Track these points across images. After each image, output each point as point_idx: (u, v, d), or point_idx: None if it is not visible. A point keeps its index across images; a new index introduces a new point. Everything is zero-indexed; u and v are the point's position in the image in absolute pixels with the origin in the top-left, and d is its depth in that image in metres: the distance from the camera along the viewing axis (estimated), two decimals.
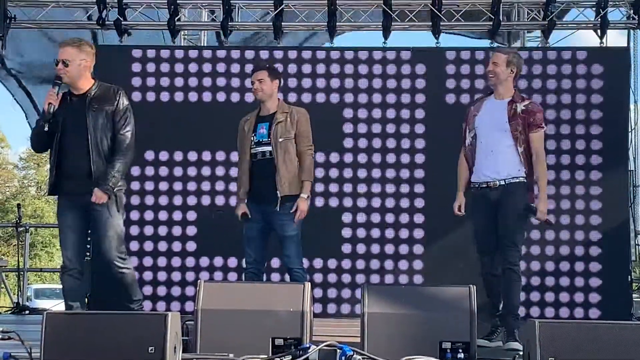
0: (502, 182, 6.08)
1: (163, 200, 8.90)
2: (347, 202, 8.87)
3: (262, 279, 6.51)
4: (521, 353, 4.83)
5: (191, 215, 8.88)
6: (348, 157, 8.90)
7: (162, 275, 8.83)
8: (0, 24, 9.16)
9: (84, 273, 5.93)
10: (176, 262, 8.84)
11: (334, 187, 8.87)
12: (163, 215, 8.89)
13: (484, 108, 6.24)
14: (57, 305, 12.19)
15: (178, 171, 8.91)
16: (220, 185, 8.89)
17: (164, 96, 8.99)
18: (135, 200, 8.88)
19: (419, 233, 8.80)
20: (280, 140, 6.28)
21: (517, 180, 6.09)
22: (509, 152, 6.08)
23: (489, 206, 6.12)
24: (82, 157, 5.71)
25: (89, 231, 5.90)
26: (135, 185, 8.87)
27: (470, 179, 6.26)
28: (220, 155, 8.82)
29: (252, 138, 6.35)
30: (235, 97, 8.95)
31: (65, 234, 5.81)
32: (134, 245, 8.81)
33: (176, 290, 8.82)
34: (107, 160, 5.75)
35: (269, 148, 6.30)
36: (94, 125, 5.75)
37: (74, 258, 5.79)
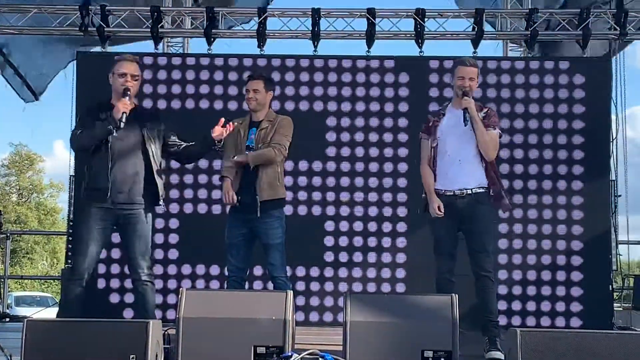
0: (470, 192, 6.09)
1: None
2: (330, 211, 8.87)
3: (245, 286, 6.49)
4: None
5: (173, 223, 8.86)
6: (331, 166, 8.91)
7: None
8: None
9: None
10: (158, 269, 8.78)
11: (316, 195, 8.87)
12: None
13: (447, 118, 6.22)
14: (38, 313, 12.13)
15: None
16: (202, 194, 8.87)
17: (146, 103, 8.95)
18: None
19: (401, 241, 8.80)
20: (260, 145, 6.29)
21: (483, 191, 6.12)
22: (475, 162, 6.10)
23: (454, 214, 6.10)
24: (130, 169, 5.85)
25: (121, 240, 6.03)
26: None
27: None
28: (204, 163, 8.79)
29: (244, 143, 6.35)
30: (218, 104, 8.94)
31: (87, 243, 5.78)
32: (116, 253, 8.77)
33: (158, 299, 8.74)
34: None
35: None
36: (149, 140, 5.97)
37: (85, 268, 5.77)
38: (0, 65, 10.34)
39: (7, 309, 12.23)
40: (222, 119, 6.09)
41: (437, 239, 6.23)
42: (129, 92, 5.94)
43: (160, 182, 5.97)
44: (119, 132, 5.78)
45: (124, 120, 5.78)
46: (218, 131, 6.05)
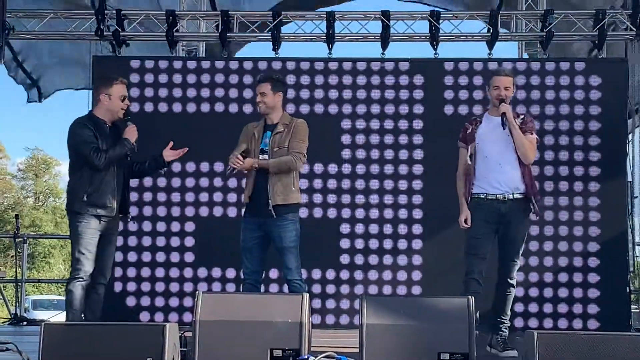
0: (511, 197, 6.21)
1: (161, 211, 8.90)
2: (346, 213, 8.86)
3: (260, 290, 6.49)
4: None
5: (189, 226, 8.88)
6: (346, 168, 8.91)
7: (160, 286, 8.82)
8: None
9: None
10: (174, 273, 8.83)
11: (332, 198, 8.87)
12: (161, 226, 8.88)
13: (484, 124, 6.37)
14: (55, 317, 12.17)
15: (176, 182, 8.91)
16: (218, 197, 8.88)
17: (162, 107, 9.00)
18: (133, 211, 8.84)
19: (417, 244, 8.79)
20: (275, 149, 6.28)
21: (522, 196, 6.24)
22: (515, 165, 6.23)
23: (495, 217, 6.23)
24: (121, 182, 6.28)
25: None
26: (133, 196, 8.84)
27: (471, 191, 6.30)
28: (219, 167, 8.81)
29: (258, 145, 6.35)
30: (233, 108, 8.96)
31: (91, 250, 6.13)
32: (132, 256, 8.82)
33: (174, 301, 8.81)
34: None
35: (265, 156, 6.31)
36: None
37: (90, 271, 6.14)
38: (8, 64, 10.41)
39: (25, 312, 12.27)
40: (171, 142, 6.44)
41: (474, 240, 6.28)
42: (131, 115, 6.43)
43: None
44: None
45: (136, 144, 6.29)
46: (171, 154, 6.46)
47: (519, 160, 6.21)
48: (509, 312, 6.28)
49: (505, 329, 6.26)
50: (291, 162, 6.25)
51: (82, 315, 6.06)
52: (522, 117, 6.37)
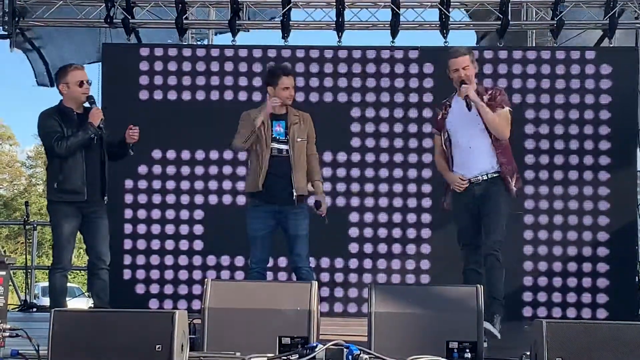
0: (485, 177, 6.14)
1: (170, 198, 8.91)
2: (355, 202, 8.87)
3: (266, 278, 6.51)
4: (528, 353, 4.82)
5: (198, 214, 8.89)
6: (355, 157, 8.90)
7: (169, 274, 8.85)
8: (10, 22, 9.17)
9: None
10: (183, 260, 8.85)
11: (341, 187, 8.87)
12: (170, 214, 8.90)
13: (454, 107, 6.28)
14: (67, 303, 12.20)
15: (185, 170, 8.92)
16: (227, 185, 8.90)
17: (171, 95, 9.00)
18: (142, 198, 8.89)
19: (426, 232, 8.79)
20: (298, 140, 6.35)
21: (497, 174, 6.14)
22: (484, 146, 6.13)
23: (473, 201, 6.17)
24: (96, 167, 6.27)
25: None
26: (142, 184, 8.89)
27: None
28: (228, 154, 8.82)
29: (269, 134, 6.33)
30: (242, 95, 8.95)
31: (68, 239, 6.24)
32: (142, 244, 8.85)
33: (183, 289, 8.83)
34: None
35: (285, 147, 6.33)
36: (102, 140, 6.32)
37: (69, 260, 6.33)
38: (23, 47, 10.39)
39: (34, 299, 12.32)
40: (131, 125, 6.37)
41: (461, 229, 6.24)
42: (94, 98, 6.37)
43: (106, 176, 6.37)
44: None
45: (102, 126, 6.24)
46: (129, 136, 6.36)
47: (492, 139, 6.10)
48: (497, 288, 6.02)
49: (498, 305, 6.00)
50: (317, 162, 6.56)
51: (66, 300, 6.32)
52: (490, 92, 6.20)
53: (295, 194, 6.28)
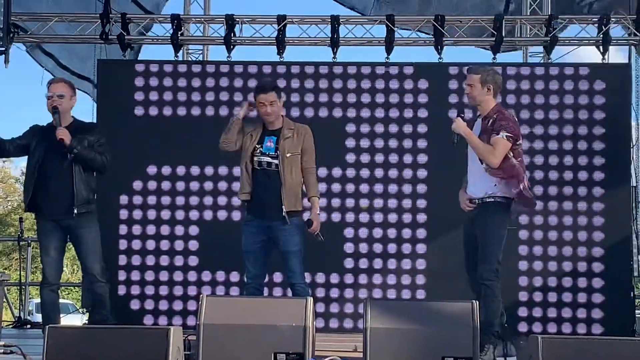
0: (479, 201, 6.21)
1: (165, 214, 8.90)
2: (350, 217, 8.86)
3: (263, 293, 6.50)
4: None
5: (193, 230, 8.88)
6: (350, 172, 8.90)
7: (163, 290, 8.82)
8: (4, 39, 9.18)
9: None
10: (178, 276, 8.83)
11: (336, 202, 8.87)
12: (165, 229, 8.88)
13: (474, 128, 6.33)
14: (61, 320, 12.15)
15: (180, 185, 8.92)
16: (222, 200, 8.89)
17: (167, 110, 9.00)
18: (137, 214, 8.88)
19: (421, 248, 8.79)
20: (288, 155, 6.29)
21: (492, 200, 6.17)
22: (480, 171, 6.18)
23: (470, 223, 6.27)
24: (66, 182, 6.25)
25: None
26: (137, 200, 8.88)
27: None
28: (223, 170, 8.82)
29: (257, 146, 6.34)
30: (237, 111, 8.93)
31: (47, 253, 6.29)
32: (136, 260, 8.82)
33: (178, 305, 8.81)
34: (88, 184, 6.34)
35: (275, 161, 6.31)
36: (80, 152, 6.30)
37: (57, 275, 6.35)
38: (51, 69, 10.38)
39: (29, 315, 12.28)
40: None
41: (465, 252, 6.32)
42: (57, 110, 6.34)
43: (81, 191, 6.31)
44: (50, 151, 6.29)
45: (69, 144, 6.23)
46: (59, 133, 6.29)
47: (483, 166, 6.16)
48: (490, 317, 5.99)
49: (492, 335, 6.00)
50: (314, 177, 6.47)
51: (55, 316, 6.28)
52: (495, 115, 6.21)
53: (284, 209, 6.25)
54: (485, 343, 5.89)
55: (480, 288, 6.09)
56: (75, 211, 6.23)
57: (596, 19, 9.17)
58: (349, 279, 8.78)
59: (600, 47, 9.15)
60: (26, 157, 6.44)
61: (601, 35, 9.10)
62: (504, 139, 6.07)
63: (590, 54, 9.63)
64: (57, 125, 6.29)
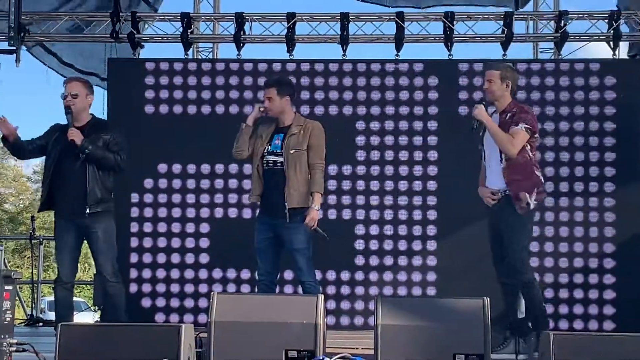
0: (502, 193, 6.23)
1: (176, 212, 8.92)
2: (360, 214, 8.86)
3: (275, 290, 6.51)
4: None
5: (204, 228, 8.90)
6: (361, 169, 8.91)
7: (175, 287, 8.84)
8: (15, 38, 9.21)
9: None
10: (189, 274, 8.85)
11: (346, 199, 8.87)
12: (176, 227, 8.91)
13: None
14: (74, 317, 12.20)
15: (191, 183, 8.94)
16: (233, 198, 8.90)
17: (177, 109, 9.02)
18: (148, 212, 8.91)
19: (432, 245, 8.78)
20: (292, 152, 6.27)
21: (507, 194, 6.24)
22: (497, 164, 6.25)
23: (493, 217, 6.29)
24: (79, 181, 6.27)
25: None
26: (148, 198, 8.90)
27: None
28: (233, 168, 8.84)
29: (267, 147, 6.36)
30: (248, 109, 8.93)
31: (60, 251, 6.36)
32: (148, 257, 8.85)
33: (189, 302, 8.83)
34: (102, 183, 6.35)
35: (280, 159, 6.31)
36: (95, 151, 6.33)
37: (71, 273, 6.37)
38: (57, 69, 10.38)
39: (41, 313, 12.34)
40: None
41: (490, 245, 6.35)
42: (70, 110, 6.38)
43: (94, 190, 6.32)
44: (65, 151, 6.33)
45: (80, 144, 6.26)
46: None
47: (501, 157, 6.21)
48: (517, 312, 6.23)
49: (514, 328, 6.18)
50: (321, 173, 6.35)
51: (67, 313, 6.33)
52: (514, 109, 6.29)
53: (287, 207, 6.24)
54: (520, 335, 6.06)
55: (502, 287, 6.20)
56: (88, 211, 6.24)
57: (607, 14, 9.13)
58: (359, 276, 8.78)
59: (611, 43, 9.13)
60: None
61: (612, 31, 9.08)
62: (523, 131, 6.17)
63: (601, 50, 9.58)
64: (70, 125, 6.32)
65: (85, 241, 6.43)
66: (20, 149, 6.46)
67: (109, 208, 6.42)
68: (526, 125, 6.18)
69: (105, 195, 6.36)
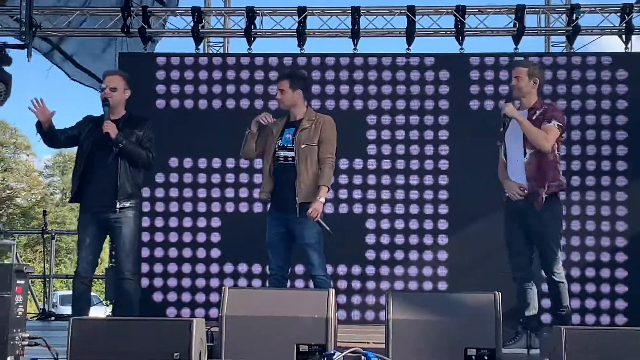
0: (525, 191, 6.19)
1: (187, 207, 8.94)
2: (371, 209, 8.86)
3: (286, 285, 6.50)
4: None
5: (215, 222, 8.91)
6: (371, 164, 8.90)
7: (186, 282, 8.86)
8: (26, 32, 9.23)
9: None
10: (200, 268, 8.87)
11: (357, 194, 8.87)
12: (187, 222, 8.92)
13: (512, 120, 6.31)
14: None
15: (202, 178, 8.95)
16: (244, 192, 8.91)
17: (188, 103, 9.04)
18: (159, 207, 8.92)
19: (443, 239, 8.77)
20: (303, 146, 6.26)
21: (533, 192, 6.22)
22: (521, 160, 6.23)
23: (518, 213, 6.23)
24: (111, 175, 6.21)
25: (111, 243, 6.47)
26: (159, 192, 8.92)
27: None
28: (244, 162, 8.83)
29: (277, 142, 6.35)
30: (258, 104, 8.97)
31: (82, 246, 6.28)
32: (159, 252, 8.87)
33: (200, 297, 8.85)
34: (133, 179, 6.29)
35: (291, 153, 6.29)
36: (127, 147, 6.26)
37: (91, 268, 6.30)
38: (72, 73, 10.41)
39: (53, 307, 12.39)
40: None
41: (506, 238, 6.34)
42: (107, 103, 6.31)
43: (125, 185, 6.27)
44: (98, 144, 6.26)
45: (115, 137, 6.20)
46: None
47: (525, 152, 6.20)
48: (531, 307, 6.24)
49: (527, 323, 6.24)
50: (330, 171, 6.30)
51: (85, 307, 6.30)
52: (544, 107, 6.32)
53: (297, 201, 6.21)
54: (531, 330, 6.13)
55: (518, 282, 6.23)
56: (118, 205, 6.18)
57: (619, 8, 9.10)
58: (370, 270, 8.78)
59: (623, 36, 9.09)
60: (57, 149, 6.48)
61: (624, 24, 9.04)
62: (555, 127, 6.20)
63: (613, 43, 9.55)
64: (106, 118, 6.25)
65: (107, 236, 6.41)
66: (54, 138, 6.37)
67: (136, 204, 6.36)
68: (558, 123, 6.22)
69: (134, 191, 6.32)
